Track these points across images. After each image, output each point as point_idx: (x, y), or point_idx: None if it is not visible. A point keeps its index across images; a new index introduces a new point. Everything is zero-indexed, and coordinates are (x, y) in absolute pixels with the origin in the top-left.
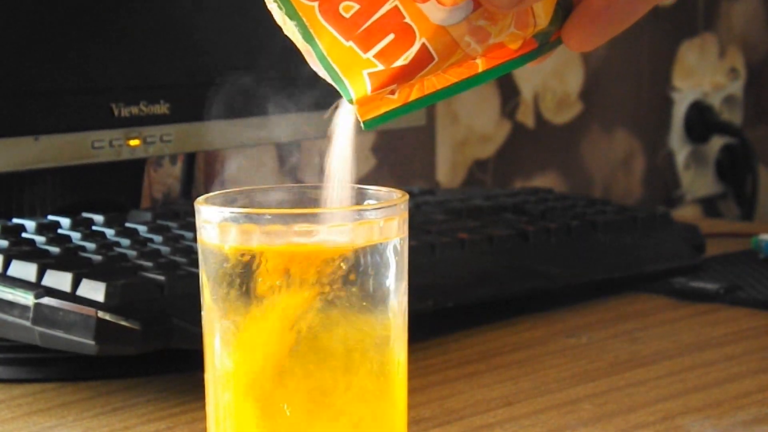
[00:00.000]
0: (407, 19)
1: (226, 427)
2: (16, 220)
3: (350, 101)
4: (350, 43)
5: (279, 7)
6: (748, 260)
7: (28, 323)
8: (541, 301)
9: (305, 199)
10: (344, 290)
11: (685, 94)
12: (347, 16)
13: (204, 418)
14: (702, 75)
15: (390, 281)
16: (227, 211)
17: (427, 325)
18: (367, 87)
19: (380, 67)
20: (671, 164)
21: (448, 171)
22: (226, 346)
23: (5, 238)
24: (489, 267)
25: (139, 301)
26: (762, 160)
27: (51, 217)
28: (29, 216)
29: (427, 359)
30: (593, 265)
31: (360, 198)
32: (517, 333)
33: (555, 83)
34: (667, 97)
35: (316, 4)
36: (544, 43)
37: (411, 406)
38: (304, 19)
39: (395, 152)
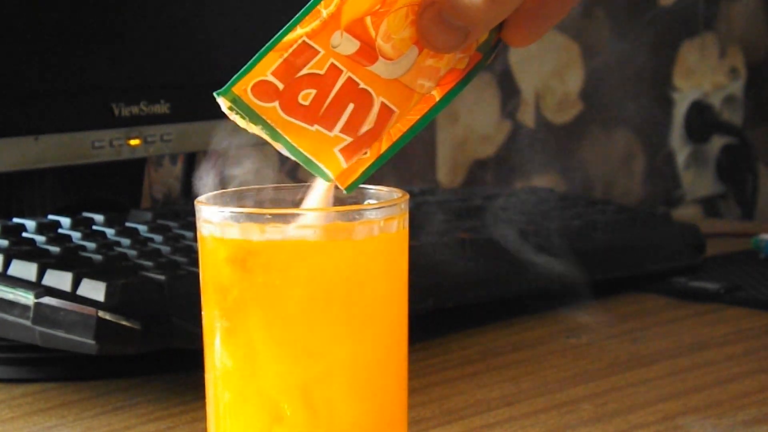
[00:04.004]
0: (362, 85)
1: (226, 427)
2: (16, 220)
3: (329, 180)
4: (315, 127)
5: (242, 117)
6: (748, 260)
7: (28, 323)
8: (541, 301)
9: (305, 198)
10: (344, 290)
11: (685, 94)
12: (307, 103)
13: (204, 418)
14: (702, 75)
15: (390, 281)
16: (227, 211)
17: (427, 325)
18: (342, 163)
19: (348, 140)
20: (671, 164)
21: (448, 171)
22: (226, 346)
23: (5, 238)
24: (489, 267)
25: (139, 301)
26: (762, 160)
27: (51, 217)
28: (29, 216)
29: (427, 359)
30: (593, 265)
31: (360, 197)
32: (517, 333)
33: (555, 83)
34: (667, 97)
35: (276, 103)
36: (488, 50)
37: (411, 406)
38: (269, 121)
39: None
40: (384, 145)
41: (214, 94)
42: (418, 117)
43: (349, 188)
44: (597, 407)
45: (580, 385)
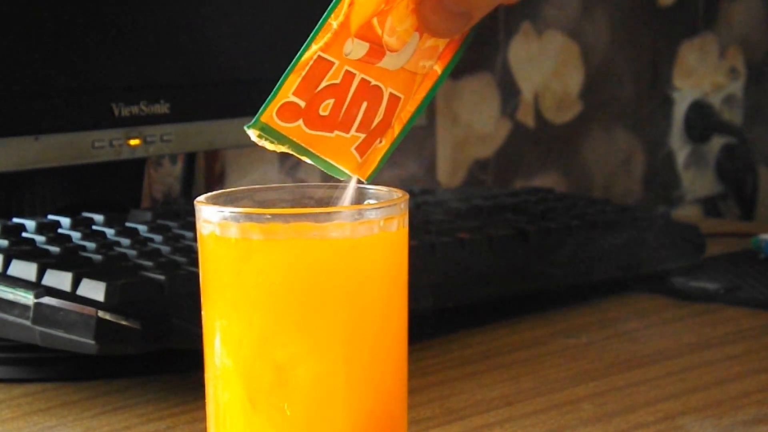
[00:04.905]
0: (373, 82)
1: (226, 427)
2: (16, 220)
3: (347, 177)
4: (335, 133)
5: (270, 141)
6: (748, 260)
7: (28, 323)
8: (541, 301)
9: (305, 198)
10: (344, 289)
11: (685, 94)
12: (327, 113)
13: (204, 418)
14: (702, 75)
15: (390, 280)
16: (227, 211)
17: (427, 325)
18: (357, 159)
19: (363, 136)
20: (671, 164)
21: (448, 171)
22: (226, 346)
23: (5, 238)
24: (489, 267)
25: (139, 301)
26: (762, 160)
27: (51, 217)
28: (29, 216)
29: (427, 359)
30: (593, 265)
31: (360, 197)
32: (517, 333)
33: (555, 83)
34: (667, 97)
35: (300, 121)
36: None
37: (411, 406)
38: (295, 140)
39: (395, 152)
40: (396, 129)
41: (245, 128)
42: (424, 94)
43: (369, 178)
44: (597, 407)
45: (580, 385)
